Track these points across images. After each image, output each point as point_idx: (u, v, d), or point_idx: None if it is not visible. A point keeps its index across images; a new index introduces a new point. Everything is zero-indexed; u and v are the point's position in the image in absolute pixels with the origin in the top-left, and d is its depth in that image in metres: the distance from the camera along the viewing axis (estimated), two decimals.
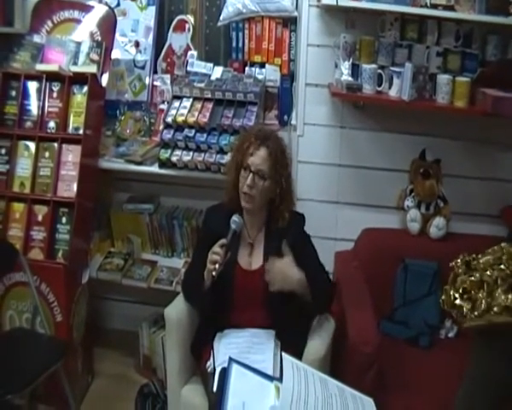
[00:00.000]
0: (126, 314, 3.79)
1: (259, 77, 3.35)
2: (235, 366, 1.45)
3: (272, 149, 2.52)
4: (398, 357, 2.90)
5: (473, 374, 2.32)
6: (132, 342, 3.61)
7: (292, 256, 2.48)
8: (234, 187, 2.59)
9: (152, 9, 3.52)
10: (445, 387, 2.54)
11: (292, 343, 2.47)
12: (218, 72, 3.35)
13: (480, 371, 2.28)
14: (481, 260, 2.22)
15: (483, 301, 2.14)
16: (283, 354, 1.46)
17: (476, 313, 2.16)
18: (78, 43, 3.31)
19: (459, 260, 2.29)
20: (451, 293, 2.26)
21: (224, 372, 1.43)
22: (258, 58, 3.43)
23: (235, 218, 2.51)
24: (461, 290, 2.23)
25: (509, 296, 2.08)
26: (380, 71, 3.07)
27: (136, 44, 3.55)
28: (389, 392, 2.64)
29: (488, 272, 2.17)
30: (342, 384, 1.47)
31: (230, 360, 1.47)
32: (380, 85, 3.09)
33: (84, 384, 3.41)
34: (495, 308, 2.10)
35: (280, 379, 1.37)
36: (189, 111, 3.22)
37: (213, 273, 2.38)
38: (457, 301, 2.23)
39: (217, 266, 2.38)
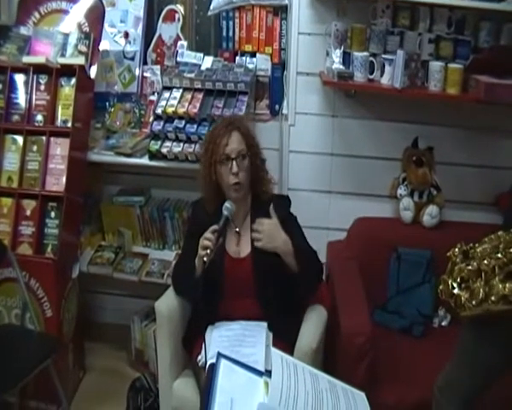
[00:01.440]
0: (118, 308, 3.77)
1: (250, 66, 3.32)
2: (223, 362, 1.42)
3: (242, 129, 2.58)
4: (391, 347, 2.89)
5: (462, 358, 2.32)
6: (124, 336, 3.59)
7: (277, 219, 2.51)
8: (210, 184, 2.59)
9: None
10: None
11: (284, 335, 2.48)
12: (208, 62, 3.32)
13: (470, 355, 2.28)
14: (478, 249, 2.19)
15: (480, 290, 2.11)
16: (272, 348, 1.44)
17: (474, 303, 2.12)
18: (66, 35, 3.27)
19: (456, 250, 2.27)
20: (450, 282, 2.22)
21: (212, 368, 1.40)
22: (248, 47, 3.39)
23: (227, 204, 2.49)
24: (459, 280, 2.20)
25: (507, 285, 2.06)
26: (371, 59, 3.05)
27: (126, 35, 3.50)
28: (382, 382, 2.64)
29: (485, 261, 2.13)
30: (333, 379, 1.44)
31: (219, 355, 1.44)
32: (371, 73, 3.06)
33: (76, 380, 3.40)
34: (492, 297, 2.07)
35: (270, 374, 1.35)
36: (179, 102, 3.19)
37: (205, 259, 2.37)
38: (455, 291, 2.20)
39: (208, 251, 2.37)
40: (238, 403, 1.30)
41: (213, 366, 1.40)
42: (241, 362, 1.46)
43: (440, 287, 2.27)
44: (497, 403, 2.48)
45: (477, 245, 2.21)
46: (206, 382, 1.39)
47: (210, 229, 2.43)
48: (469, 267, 2.17)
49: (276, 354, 1.39)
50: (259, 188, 2.65)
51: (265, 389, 1.36)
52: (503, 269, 2.09)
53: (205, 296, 2.50)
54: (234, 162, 2.50)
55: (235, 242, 2.63)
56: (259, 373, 1.43)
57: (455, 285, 2.20)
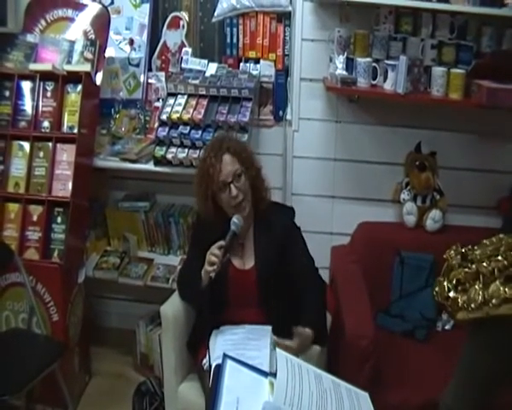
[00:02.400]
0: (123, 313, 3.79)
1: (254, 72, 3.34)
2: (229, 362, 1.44)
3: (230, 148, 2.54)
4: (394, 350, 2.90)
5: (462, 364, 2.33)
6: (129, 341, 3.61)
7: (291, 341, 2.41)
8: (210, 212, 2.57)
9: (146, 7, 3.49)
10: (441, 380, 2.54)
11: (288, 338, 2.46)
12: (212, 68, 3.34)
13: (468, 360, 2.29)
14: (477, 252, 2.19)
15: (480, 293, 2.10)
16: (277, 349, 1.45)
17: (473, 306, 2.11)
18: (72, 42, 3.29)
19: (452, 252, 2.28)
20: (445, 284, 2.24)
21: (219, 369, 1.42)
22: (252, 54, 3.41)
23: (235, 219, 2.48)
24: (454, 282, 2.21)
25: (507, 289, 2.06)
26: (374, 64, 3.06)
27: (131, 42, 3.53)
28: (386, 385, 2.65)
29: (485, 264, 2.13)
30: (337, 379, 1.46)
31: (225, 356, 1.46)
32: (374, 79, 3.08)
33: (82, 384, 3.41)
34: (493, 300, 2.06)
35: (274, 375, 1.36)
36: (184, 108, 3.21)
37: (211, 275, 2.37)
38: (451, 294, 2.21)
39: (215, 267, 2.37)
40: (244, 402, 1.32)
41: (219, 367, 1.42)
42: (246, 363, 1.48)
43: (436, 289, 2.30)
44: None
45: (476, 247, 2.22)
46: (212, 382, 1.40)
47: (217, 244, 2.42)
48: (466, 270, 2.18)
49: (281, 354, 1.41)
50: (258, 195, 2.64)
51: (271, 389, 1.38)
52: (503, 272, 2.09)
53: (210, 305, 2.53)
54: (232, 186, 2.48)
55: (239, 254, 2.64)
56: (265, 374, 1.45)
57: (450, 287, 2.22)
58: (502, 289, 2.06)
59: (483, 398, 2.29)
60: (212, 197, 2.54)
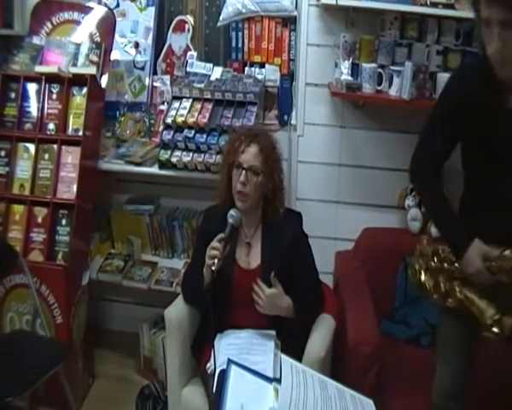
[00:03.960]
0: (127, 316, 3.78)
1: (259, 77, 3.34)
2: (233, 368, 1.44)
3: (263, 145, 2.56)
4: (398, 357, 2.90)
5: (440, 354, 2.42)
6: (133, 344, 3.61)
7: (281, 286, 2.52)
8: (226, 188, 2.62)
9: (151, 10, 3.50)
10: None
11: (292, 344, 2.48)
12: (217, 72, 3.34)
13: (443, 345, 2.41)
14: (447, 250, 2.29)
15: (441, 286, 2.28)
16: (282, 355, 1.46)
17: (436, 297, 2.31)
18: (78, 45, 3.31)
19: (425, 241, 2.46)
20: (416, 268, 2.41)
21: (223, 374, 1.42)
22: (257, 58, 3.42)
23: (232, 212, 2.50)
24: (424, 267, 2.37)
25: (463, 290, 2.21)
26: (380, 70, 3.06)
27: (136, 45, 3.54)
28: (390, 392, 2.64)
29: (446, 264, 2.28)
30: (342, 386, 1.46)
31: (229, 361, 1.46)
32: (380, 85, 3.08)
33: (85, 386, 3.41)
34: (450, 299, 2.25)
35: (279, 381, 1.37)
36: (189, 112, 3.21)
37: (213, 268, 2.37)
38: (422, 277, 2.37)
39: (216, 260, 2.38)
40: (248, 408, 1.32)
41: (224, 372, 1.42)
42: (251, 369, 1.48)
43: (409, 271, 2.50)
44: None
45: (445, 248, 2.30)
46: (216, 387, 1.40)
47: (216, 238, 2.44)
48: (432, 264, 2.33)
49: (286, 360, 1.41)
50: (268, 209, 2.65)
51: (275, 395, 1.38)
52: (458, 277, 2.23)
53: (214, 305, 2.53)
54: (243, 172, 2.51)
55: (245, 252, 2.65)
56: (269, 380, 1.45)
57: (422, 272, 2.37)
58: (458, 290, 2.23)
59: (460, 376, 2.33)
60: (229, 169, 2.58)
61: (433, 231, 3.25)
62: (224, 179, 2.62)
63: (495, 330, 2.11)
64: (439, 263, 2.31)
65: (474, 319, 2.17)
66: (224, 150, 2.72)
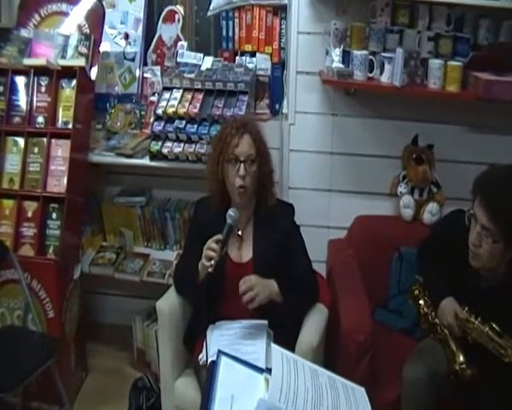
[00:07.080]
0: (119, 308, 3.78)
1: (250, 66, 3.32)
2: (223, 359, 1.42)
3: (254, 133, 2.55)
4: (392, 345, 2.88)
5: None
6: (126, 337, 3.60)
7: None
8: (217, 183, 2.57)
9: (141, 1, 3.48)
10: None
11: (285, 333, 2.48)
12: (208, 62, 3.32)
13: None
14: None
15: (429, 318, 2.62)
16: (273, 344, 1.44)
17: (424, 326, 2.68)
18: (67, 37, 3.28)
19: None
20: (415, 294, 2.76)
21: (213, 365, 1.41)
22: (248, 47, 3.40)
23: (231, 212, 2.46)
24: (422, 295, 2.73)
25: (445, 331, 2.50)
26: (371, 57, 3.05)
27: (126, 36, 3.51)
28: (382, 381, 2.64)
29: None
30: (333, 374, 1.44)
31: (219, 352, 1.45)
32: (371, 72, 3.06)
33: (78, 380, 3.40)
34: (431, 335, 2.60)
35: (270, 371, 1.35)
36: (180, 102, 3.19)
37: (209, 270, 2.35)
38: (421, 302, 2.71)
39: (212, 262, 2.35)
40: (238, 399, 1.30)
41: (214, 363, 1.41)
42: (241, 359, 1.46)
43: (409, 294, 2.83)
44: None
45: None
46: (206, 378, 1.39)
47: (214, 238, 2.41)
48: (426, 298, 2.70)
49: (277, 350, 1.40)
50: (263, 196, 2.63)
51: (266, 385, 1.37)
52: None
53: (207, 299, 2.52)
54: (242, 165, 2.48)
55: (236, 246, 2.63)
56: (260, 370, 1.44)
57: (421, 299, 2.74)
58: (439, 329, 2.54)
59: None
60: (222, 169, 2.53)
61: (426, 217, 3.25)
62: (215, 172, 2.55)
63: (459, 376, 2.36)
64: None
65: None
66: (213, 145, 2.66)
